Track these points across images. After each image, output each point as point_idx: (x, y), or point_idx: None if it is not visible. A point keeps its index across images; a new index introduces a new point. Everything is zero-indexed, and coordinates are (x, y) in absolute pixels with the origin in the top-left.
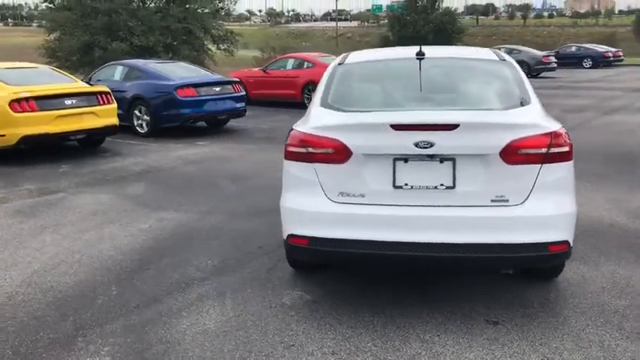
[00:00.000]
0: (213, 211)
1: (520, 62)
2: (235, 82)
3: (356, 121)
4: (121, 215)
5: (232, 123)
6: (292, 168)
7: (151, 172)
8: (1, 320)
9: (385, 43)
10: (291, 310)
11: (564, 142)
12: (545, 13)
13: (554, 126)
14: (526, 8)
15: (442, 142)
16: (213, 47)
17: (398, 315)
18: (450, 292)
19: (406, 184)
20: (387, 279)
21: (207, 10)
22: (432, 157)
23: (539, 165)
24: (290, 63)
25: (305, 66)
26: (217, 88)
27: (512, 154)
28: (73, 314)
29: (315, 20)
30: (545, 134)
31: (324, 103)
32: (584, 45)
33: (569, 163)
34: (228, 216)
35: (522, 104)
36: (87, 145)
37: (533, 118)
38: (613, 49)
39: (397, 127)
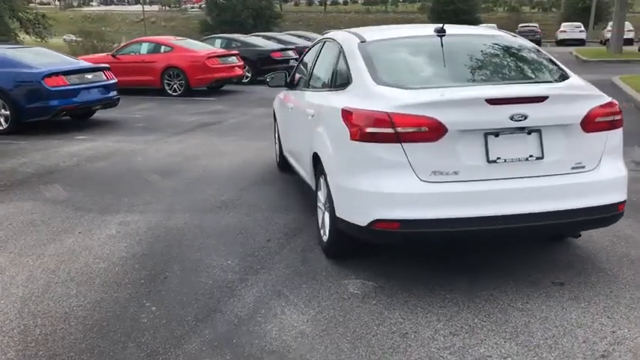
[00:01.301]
0: (174, 208)
1: None
2: (106, 69)
3: (451, 97)
4: (69, 224)
5: (98, 114)
6: (372, 149)
7: (53, 172)
8: None
9: (205, 27)
10: (368, 299)
11: (619, 110)
12: (340, 0)
13: (607, 96)
14: None
15: (533, 115)
16: (20, 33)
17: (475, 288)
18: (505, 262)
19: (499, 158)
20: (430, 255)
21: None
22: (522, 129)
23: (607, 132)
24: (144, 47)
25: (162, 50)
26: (89, 76)
27: (590, 122)
28: (128, 340)
29: (111, 3)
30: (610, 103)
31: (380, 81)
32: None
33: (621, 130)
34: (197, 213)
35: (569, 76)
36: None
37: (594, 89)
38: None
39: (493, 102)
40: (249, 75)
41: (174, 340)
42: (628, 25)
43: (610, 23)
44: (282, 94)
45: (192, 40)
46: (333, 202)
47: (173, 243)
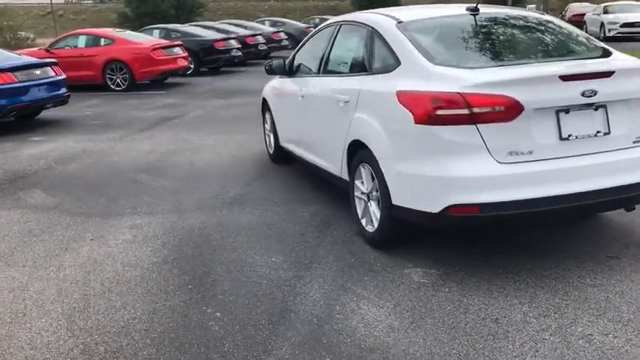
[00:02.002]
0: (183, 208)
1: (287, 34)
2: (54, 64)
3: (526, 74)
4: (74, 231)
5: (45, 113)
6: (443, 132)
7: (24, 177)
8: None
9: (124, 19)
10: (438, 287)
11: None
12: None
13: None
14: None
15: (601, 90)
16: None
17: (538, 268)
18: (554, 239)
19: (570, 135)
20: (475, 238)
21: None
22: (589, 105)
23: None
24: (81, 40)
25: (102, 43)
26: (37, 72)
27: None
28: (208, 350)
29: None
30: None
31: (436, 62)
32: (326, 17)
33: None
34: (210, 211)
35: (611, 51)
36: None
37: None
38: None
39: (566, 78)
40: (192, 66)
41: (259, 346)
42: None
43: (530, 6)
44: (277, 82)
45: (132, 32)
46: (388, 189)
47: (201, 244)
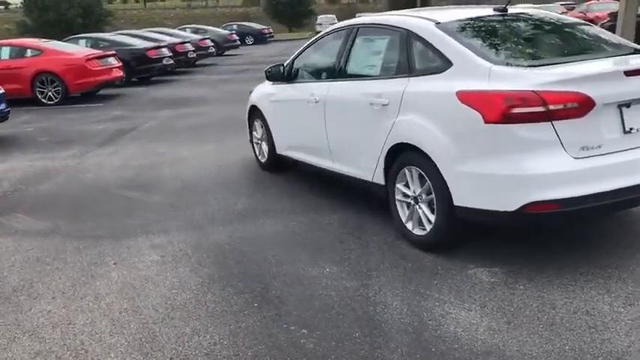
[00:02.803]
0: (198, 224)
1: (212, 40)
2: None
3: (595, 71)
4: (90, 255)
5: None
6: (518, 130)
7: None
8: None
9: (25, 29)
10: (513, 285)
11: None
12: None
13: None
14: None
15: None
16: None
17: (598, 260)
18: (596, 230)
19: (632, 128)
20: (519, 234)
21: None
22: None
23: None
24: (4, 52)
25: (29, 54)
26: None
27: None
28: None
29: None
30: None
31: (493, 61)
32: (244, 23)
33: None
34: (230, 224)
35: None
36: None
37: None
38: (265, 27)
39: (629, 73)
40: (124, 76)
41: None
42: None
43: (320, 16)
44: (273, 89)
45: (60, 42)
46: (447, 191)
47: (241, 259)
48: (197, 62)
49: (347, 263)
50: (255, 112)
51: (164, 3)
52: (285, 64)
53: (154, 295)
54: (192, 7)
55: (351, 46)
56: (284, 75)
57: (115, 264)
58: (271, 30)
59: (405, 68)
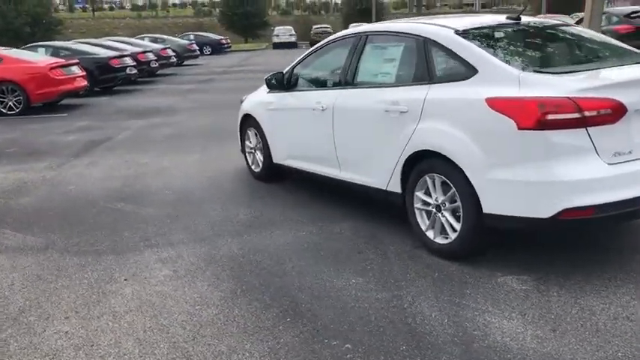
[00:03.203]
0: (202, 236)
1: (173, 50)
2: None
3: (627, 78)
4: (96, 272)
5: None
6: (552, 136)
7: None
8: None
9: None
10: (545, 292)
11: None
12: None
13: None
14: (93, 1)
15: None
16: None
17: (618, 263)
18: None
19: None
20: (533, 239)
21: None
22: None
23: None
24: None
25: None
26: None
27: None
28: None
29: None
30: None
31: (521, 69)
32: (201, 33)
33: None
34: (237, 236)
35: None
36: None
37: None
38: (223, 37)
39: None
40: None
41: None
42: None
43: (277, 27)
44: (270, 97)
45: (20, 50)
46: (476, 198)
47: (259, 272)
48: (158, 72)
49: (371, 274)
50: (248, 121)
51: (113, 12)
52: (284, 72)
53: (177, 312)
54: (143, 17)
55: (361, 53)
56: (283, 83)
57: (125, 280)
58: (229, 40)
59: (424, 75)
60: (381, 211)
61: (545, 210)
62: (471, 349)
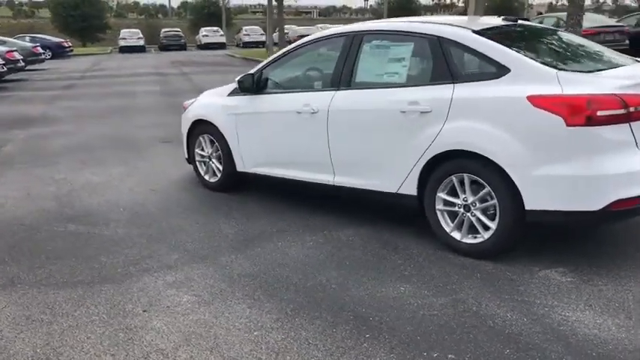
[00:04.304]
0: (201, 254)
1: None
2: None
3: None
4: (102, 306)
5: None
6: (600, 132)
7: None
8: None
9: None
10: (592, 284)
11: None
12: None
13: None
14: None
15: None
16: None
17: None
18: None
19: None
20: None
21: None
22: None
23: None
24: None
25: None
26: None
27: None
28: None
29: None
30: None
31: (553, 67)
32: (37, 35)
33: None
34: (239, 252)
35: None
36: None
37: None
38: (64, 40)
39: None
40: None
41: None
42: (259, 30)
43: (245, 27)
44: (235, 100)
45: None
46: (517, 195)
47: (296, 288)
48: (5, 77)
49: (414, 279)
50: (200, 127)
51: None
52: (253, 74)
53: (237, 342)
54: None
55: (357, 53)
56: (253, 86)
57: (144, 311)
58: (70, 44)
59: (445, 74)
60: (376, 215)
61: (595, 203)
62: (571, 345)
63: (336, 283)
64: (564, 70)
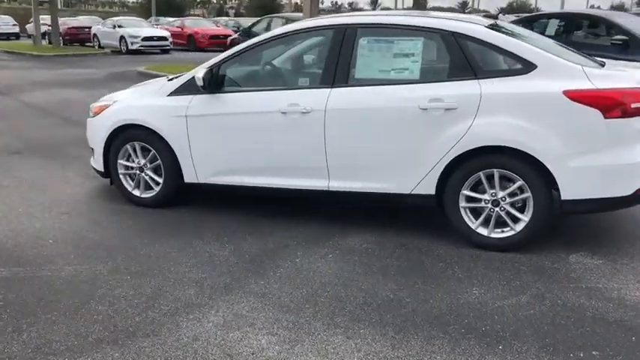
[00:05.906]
0: (227, 286)
1: None
2: None
3: None
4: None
5: None
6: (634, 123)
7: None
8: None
9: None
10: (623, 267)
11: None
12: None
13: None
14: None
15: None
16: None
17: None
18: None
19: None
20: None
21: None
22: None
23: None
24: None
25: None
26: None
27: None
28: None
29: None
30: None
31: (575, 62)
32: None
33: None
34: (266, 276)
35: None
36: None
37: None
38: None
39: None
40: None
41: None
42: (10, 19)
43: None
44: (182, 100)
45: None
46: (555, 188)
47: (361, 306)
48: None
49: (465, 282)
50: (125, 134)
51: None
52: (212, 70)
53: None
54: None
55: (353, 48)
56: (210, 85)
57: None
58: None
59: (466, 70)
60: (372, 216)
61: (627, 189)
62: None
63: (403, 295)
64: (585, 65)
